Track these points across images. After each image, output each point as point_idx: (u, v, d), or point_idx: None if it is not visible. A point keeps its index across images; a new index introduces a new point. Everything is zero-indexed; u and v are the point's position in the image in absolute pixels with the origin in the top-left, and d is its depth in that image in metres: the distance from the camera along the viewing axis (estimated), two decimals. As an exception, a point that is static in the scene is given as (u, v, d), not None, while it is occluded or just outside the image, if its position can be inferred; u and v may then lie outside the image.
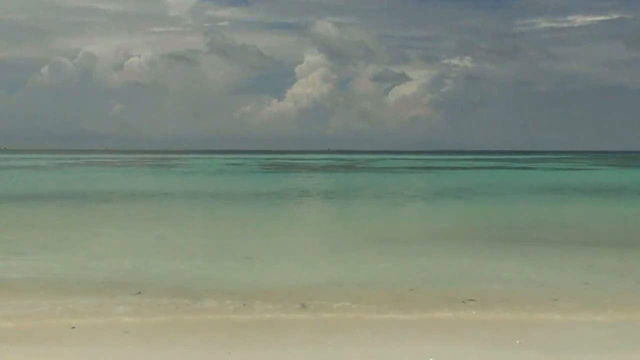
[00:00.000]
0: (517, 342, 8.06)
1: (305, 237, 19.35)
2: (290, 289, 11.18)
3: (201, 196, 34.53)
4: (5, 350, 7.58)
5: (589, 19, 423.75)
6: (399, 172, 68.86)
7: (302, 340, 8.13)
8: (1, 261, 13.75)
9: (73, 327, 8.53)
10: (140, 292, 10.71)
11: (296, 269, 13.28)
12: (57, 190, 36.77)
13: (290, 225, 22.44)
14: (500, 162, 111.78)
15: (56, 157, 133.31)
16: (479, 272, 12.87)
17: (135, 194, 34.53)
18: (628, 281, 12.19)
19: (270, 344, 7.99)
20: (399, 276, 12.48)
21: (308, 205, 30.67)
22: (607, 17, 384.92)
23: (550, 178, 57.87)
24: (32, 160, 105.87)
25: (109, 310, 9.60)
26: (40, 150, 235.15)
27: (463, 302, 10.24)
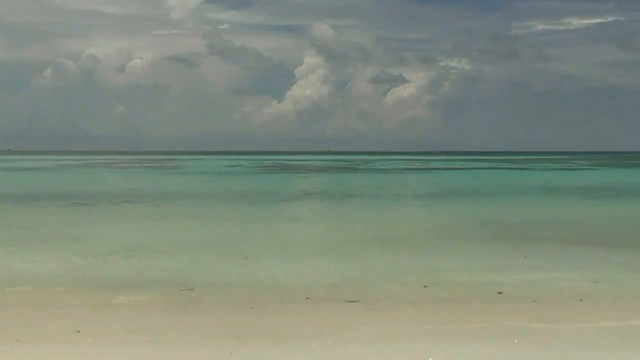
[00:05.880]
0: (515, 341, 8.12)
1: (307, 236, 19.43)
2: (293, 288, 11.27)
3: (203, 196, 34.64)
4: (8, 349, 7.65)
5: (585, 21, 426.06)
6: (398, 173, 68.84)
7: (303, 339, 8.21)
8: (7, 261, 13.86)
9: (78, 331, 8.55)
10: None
11: (298, 268, 13.36)
12: (60, 192, 36.86)
13: (292, 225, 22.50)
14: (497, 162, 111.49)
15: (59, 158, 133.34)
16: (476, 271, 12.94)
17: (138, 195, 34.63)
18: (627, 279, 12.25)
19: (272, 343, 8.07)
20: (397, 275, 12.55)
21: (309, 206, 30.71)
22: (603, 20, 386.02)
23: (546, 178, 57.85)
24: (35, 161, 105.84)
25: (113, 309, 9.69)
26: (44, 152, 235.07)
27: (461, 301, 10.33)
